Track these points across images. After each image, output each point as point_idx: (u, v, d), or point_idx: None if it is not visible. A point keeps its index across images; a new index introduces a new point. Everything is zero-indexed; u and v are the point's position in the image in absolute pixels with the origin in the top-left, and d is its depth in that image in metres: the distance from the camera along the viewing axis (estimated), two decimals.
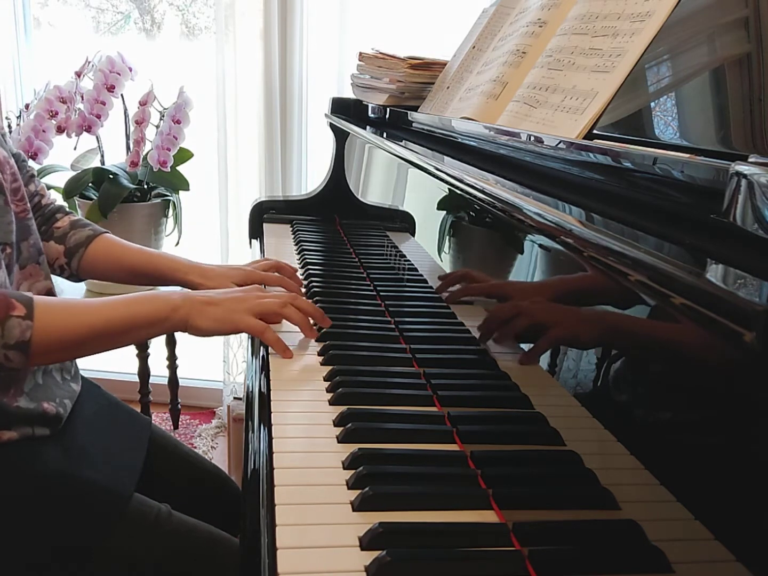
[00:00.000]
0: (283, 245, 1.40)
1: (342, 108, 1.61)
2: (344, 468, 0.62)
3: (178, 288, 1.03)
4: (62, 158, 1.87)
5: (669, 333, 0.43)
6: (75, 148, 1.82)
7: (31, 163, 1.33)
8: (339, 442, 0.67)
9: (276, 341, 0.85)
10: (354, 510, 0.56)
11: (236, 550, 0.87)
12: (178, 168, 1.83)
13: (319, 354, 0.87)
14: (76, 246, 1.00)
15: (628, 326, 0.49)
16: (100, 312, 0.79)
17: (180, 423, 2.20)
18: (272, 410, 0.72)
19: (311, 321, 0.91)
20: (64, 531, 0.79)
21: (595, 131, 0.67)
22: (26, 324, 0.72)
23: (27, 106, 1.87)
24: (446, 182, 0.81)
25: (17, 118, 1.90)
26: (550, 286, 0.63)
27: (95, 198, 1.73)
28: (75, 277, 1.05)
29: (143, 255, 1.04)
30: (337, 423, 0.70)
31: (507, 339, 0.72)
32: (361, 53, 1.46)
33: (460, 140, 0.97)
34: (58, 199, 1.08)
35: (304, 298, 0.89)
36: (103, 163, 1.83)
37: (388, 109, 1.37)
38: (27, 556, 0.78)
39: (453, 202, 0.89)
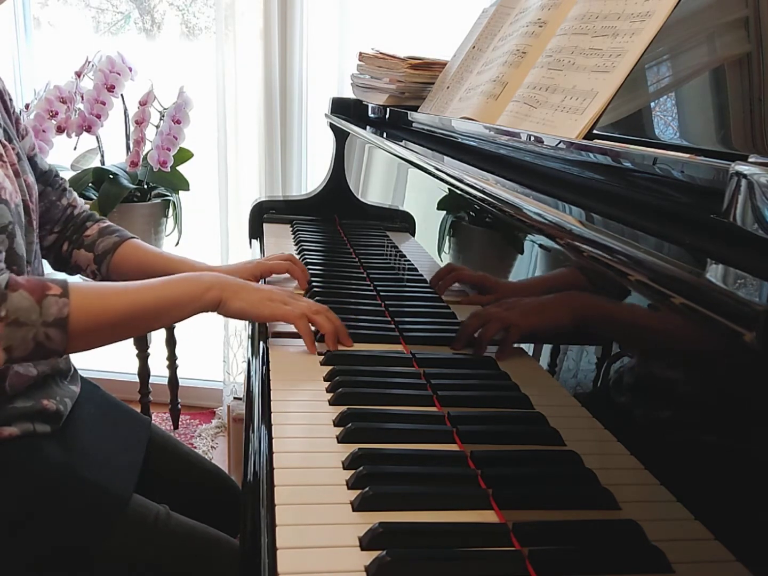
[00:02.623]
0: (283, 245, 1.40)
1: (342, 108, 1.61)
2: (344, 468, 0.62)
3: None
4: (62, 158, 1.87)
5: (668, 333, 0.43)
6: (75, 148, 1.82)
7: None
8: (339, 442, 0.67)
9: (308, 332, 0.86)
10: (354, 510, 0.56)
11: (235, 551, 0.87)
12: (178, 168, 1.83)
13: (319, 354, 0.87)
14: (103, 253, 1.04)
15: (611, 314, 0.49)
16: (134, 294, 0.81)
17: (180, 423, 2.20)
18: (272, 410, 0.72)
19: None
20: (64, 531, 0.79)
21: (595, 131, 0.67)
22: (63, 301, 0.73)
23: (27, 106, 1.87)
24: (446, 182, 0.81)
25: None
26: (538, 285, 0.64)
27: (95, 198, 1.73)
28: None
29: (164, 260, 1.06)
30: (337, 423, 0.70)
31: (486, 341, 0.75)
32: (361, 53, 1.46)
33: (460, 140, 0.97)
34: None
35: (333, 313, 0.90)
36: (103, 163, 1.83)
37: (388, 109, 1.37)
38: (26, 556, 0.78)
39: (453, 202, 0.89)
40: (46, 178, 1.04)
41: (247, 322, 1.01)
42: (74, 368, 1.00)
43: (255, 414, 0.73)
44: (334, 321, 0.88)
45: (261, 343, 0.90)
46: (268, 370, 0.82)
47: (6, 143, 0.87)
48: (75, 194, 1.09)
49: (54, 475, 0.82)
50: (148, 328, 0.85)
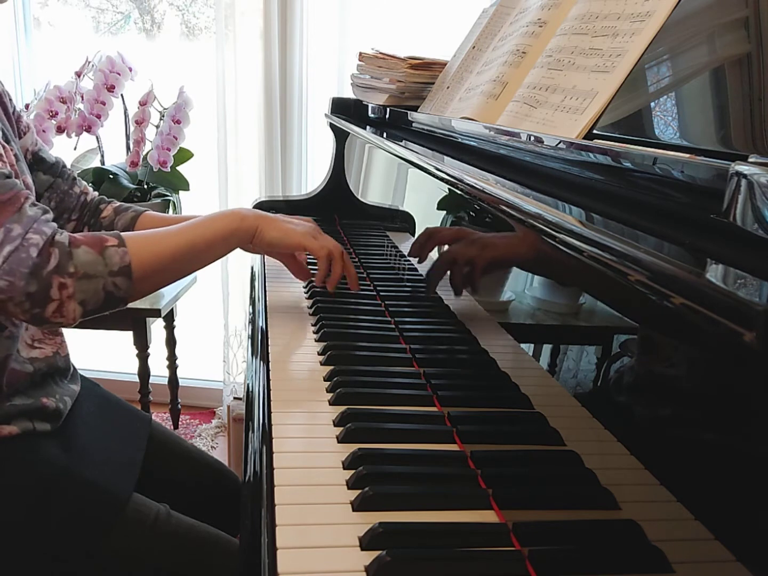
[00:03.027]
0: None
1: (342, 108, 1.61)
2: (344, 468, 0.62)
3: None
4: (62, 158, 1.87)
5: (668, 331, 0.43)
6: (75, 148, 1.82)
7: None
8: (339, 442, 0.67)
9: (324, 270, 0.95)
10: (354, 510, 0.56)
11: (235, 551, 0.87)
12: (178, 168, 1.83)
13: (319, 354, 0.87)
14: (123, 230, 1.05)
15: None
16: (181, 234, 0.85)
17: (180, 423, 2.20)
18: (272, 410, 0.72)
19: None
20: (64, 531, 0.79)
21: (595, 131, 0.67)
22: (122, 250, 0.78)
23: (27, 106, 1.87)
24: (446, 182, 0.81)
25: None
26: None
27: None
28: None
29: (185, 220, 1.08)
30: (337, 423, 0.70)
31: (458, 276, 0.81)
32: (361, 53, 1.46)
33: (460, 140, 0.97)
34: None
35: (350, 262, 0.98)
36: (103, 163, 1.83)
37: (388, 109, 1.37)
38: (26, 555, 0.78)
39: (453, 202, 0.89)
40: (55, 170, 1.05)
41: (247, 321, 1.01)
42: (74, 367, 1.00)
43: (255, 414, 0.73)
44: (348, 269, 0.97)
45: (261, 342, 0.90)
46: (268, 369, 0.82)
47: (5, 144, 0.88)
48: (84, 182, 1.11)
49: (54, 475, 0.83)
50: (199, 264, 0.89)
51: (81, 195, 1.08)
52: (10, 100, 0.98)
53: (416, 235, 0.98)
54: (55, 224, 0.77)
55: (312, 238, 0.93)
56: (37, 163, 1.02)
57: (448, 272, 0.89)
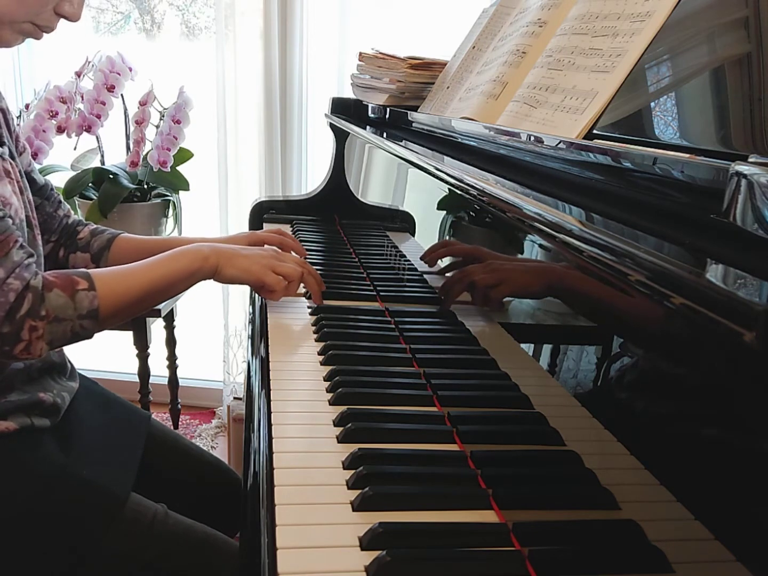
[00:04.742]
0: None
1: (342, 108, 1.61)
2: (344, 468, 0.62)
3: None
4: (62, 158, 1.87)
5: (668, 331, 0.43)
6: (75, 148, 1.82)
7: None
8: (339, 442, 0.67)
9: (286, 295, 0.97)
10: (354, 510, 0.56)
11: (233, 552, 0.87)
12: (178, 168, 1.83)
13: (319, 354, 0.87)
14: (99, 251, 1.08)
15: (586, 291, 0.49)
16: (146, 273, 0.88)
17: (180, 423, 2.20)
18: (272, 410, 0.72)
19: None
20: (61, 530, 0.79)
21: (595, 131, 0.67)
22: (92, 294, 0.81)
23: (27, 106, 1.87)
24: (446, 182, 0.81)
25: (17, 118, 1.90)
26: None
27: (95, 198, 1.73)
28: None
29: (158, 243, 1.12)
30: (337, 423, 0.70)
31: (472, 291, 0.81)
32: (361, 53, 1.46)
33: (460, 140, 0.97)
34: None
35: (311, 268, 1.01)
36: (103, 163, 1.83)
37: (388, 109, 1.37)
38: (22, 554, 0.78)
39: (453, 202, 0.89)
40: (43, 192, 1.07)
41: (247, 321, 1.02)
42: (71, 365, 1.00)
43: (255, 414, 0.73)
44: (315, 276, 1.00)
45: (261, 343, 0.90)
46: (268, 370, 0.82)
47: (11, 161, 0.89)
48: (68, 205, 1.13)
49: (52, 474, 0.83)
50: (162, 300, 0.92)
51: (63, 218, 1.09)
52: (12, 119, 0.99)
53: (432, 244, 0.99)
54: (34, 267, 0.80)
55: (269, 272, 0.94)
56: (28, 184, 1.03)
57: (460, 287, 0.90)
